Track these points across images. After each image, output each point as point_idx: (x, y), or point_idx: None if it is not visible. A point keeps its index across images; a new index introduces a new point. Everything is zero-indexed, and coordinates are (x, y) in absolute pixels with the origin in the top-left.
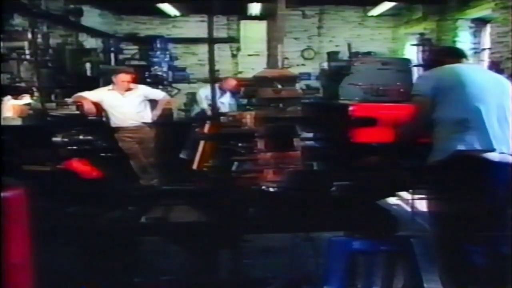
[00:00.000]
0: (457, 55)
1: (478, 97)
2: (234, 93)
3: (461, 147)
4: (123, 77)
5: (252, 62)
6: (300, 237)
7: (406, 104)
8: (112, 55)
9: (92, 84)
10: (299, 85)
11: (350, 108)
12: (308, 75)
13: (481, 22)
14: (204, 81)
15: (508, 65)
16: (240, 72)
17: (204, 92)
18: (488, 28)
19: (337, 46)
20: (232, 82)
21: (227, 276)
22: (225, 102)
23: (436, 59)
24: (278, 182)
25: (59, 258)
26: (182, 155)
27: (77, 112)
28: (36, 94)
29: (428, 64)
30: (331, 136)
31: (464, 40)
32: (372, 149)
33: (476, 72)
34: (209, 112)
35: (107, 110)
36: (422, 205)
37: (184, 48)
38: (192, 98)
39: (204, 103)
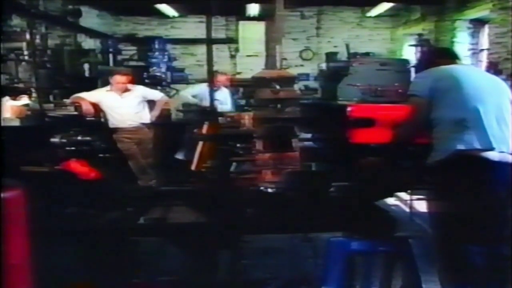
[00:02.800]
0: (451, 56)
1: (476, 97)
2: (229, 89)
3: (460, 146)
4: (118, 79)
5: (250, 62)
6: (299, 237)
7: (404, 104)
8: (111, 56)
9: (91, 85)
10: (298, 86)
11: (349, 108)
12: (306, 76)
13: (479, 23)
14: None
15: (507, 66)
16: (239, 73)
17: (190, 92)
18: (486, 29)
19: (335, 46)
20: (223, 78)
21: (226, 277)
22: (221, 99)
23: (430, 60)
24: (277, 183)
25: (58, 259)
26: (178, 156)
27: (76, 113)
28: (34, 95)
29: (422, 65)
30: (329, 137)
31: (462, 40)
32: (370, 150)
33: (472, 73)
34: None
35: (105, 111)
36: (420, 206)
37: (183, 49)
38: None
39: (190, 100)
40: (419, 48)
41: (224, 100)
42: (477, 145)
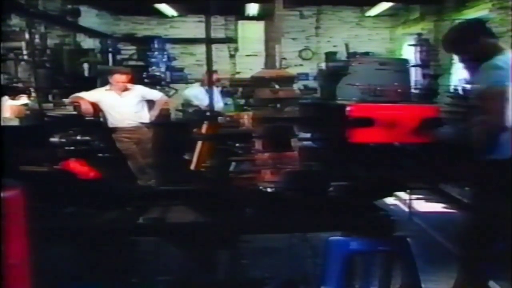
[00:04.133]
0: (492, 34)
1: None
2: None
3: None
4: (118, 78)
5: (250, 62)
6: (298, 237)
7: (404, 104)
8: (110, 56)
9: (90, 84)
10: (297, 85)
11: (348, 108)
12: (306, 76)
13: None
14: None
15: None
16: (238, 73)
17: (190, 92)
18: None
19: (334, 46)
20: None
21: (224, 277)
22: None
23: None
24: (276, 183)
25: (57, 259)
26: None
27: (75, 112)
28: (33, 94)
29: (476, 56)
30: (328, 137)
31: None
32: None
33: None
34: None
35: (104, 111)
36: (420, 205)
37: (182, 49)
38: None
39: (194, 101)
40: (418, 48)
41: (216, 99)
42: None
